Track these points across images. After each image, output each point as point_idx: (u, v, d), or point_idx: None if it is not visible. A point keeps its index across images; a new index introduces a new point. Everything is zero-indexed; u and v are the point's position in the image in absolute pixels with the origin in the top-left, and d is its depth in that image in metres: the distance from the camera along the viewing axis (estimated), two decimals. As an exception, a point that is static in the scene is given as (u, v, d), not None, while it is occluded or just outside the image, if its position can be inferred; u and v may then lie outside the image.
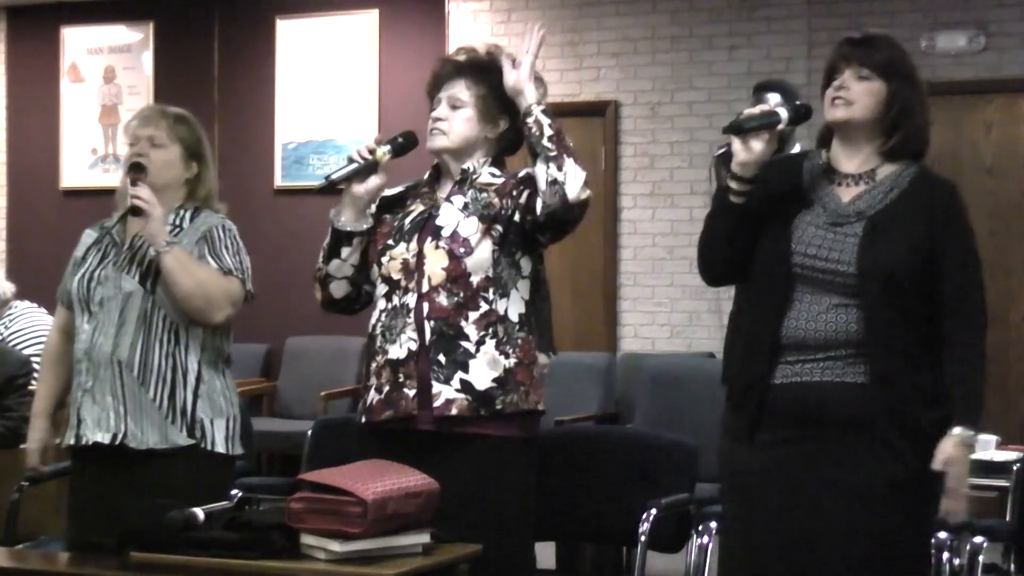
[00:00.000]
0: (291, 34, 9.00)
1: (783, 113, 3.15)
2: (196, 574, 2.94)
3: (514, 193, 3.37)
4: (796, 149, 4.93)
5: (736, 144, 3.13)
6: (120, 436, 3.51)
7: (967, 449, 3.02)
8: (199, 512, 3.03)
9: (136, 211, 3.50)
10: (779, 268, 3.12)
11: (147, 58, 9.40)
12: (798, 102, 3.38)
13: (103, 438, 3.52)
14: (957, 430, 3.01)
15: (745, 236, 3.17)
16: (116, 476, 3.51)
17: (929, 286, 3.07)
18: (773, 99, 5.15)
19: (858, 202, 3.12)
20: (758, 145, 3.11)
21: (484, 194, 3.40)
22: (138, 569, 2.98)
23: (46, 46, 9.61)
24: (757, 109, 3.18)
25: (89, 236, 3.75)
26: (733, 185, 3.16)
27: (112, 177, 9.31)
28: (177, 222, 3.64)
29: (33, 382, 5.81)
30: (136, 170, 3.59)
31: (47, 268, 7.81)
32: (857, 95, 3.12)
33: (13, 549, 3.93)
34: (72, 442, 3.59)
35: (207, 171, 3.73)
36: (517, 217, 3.35)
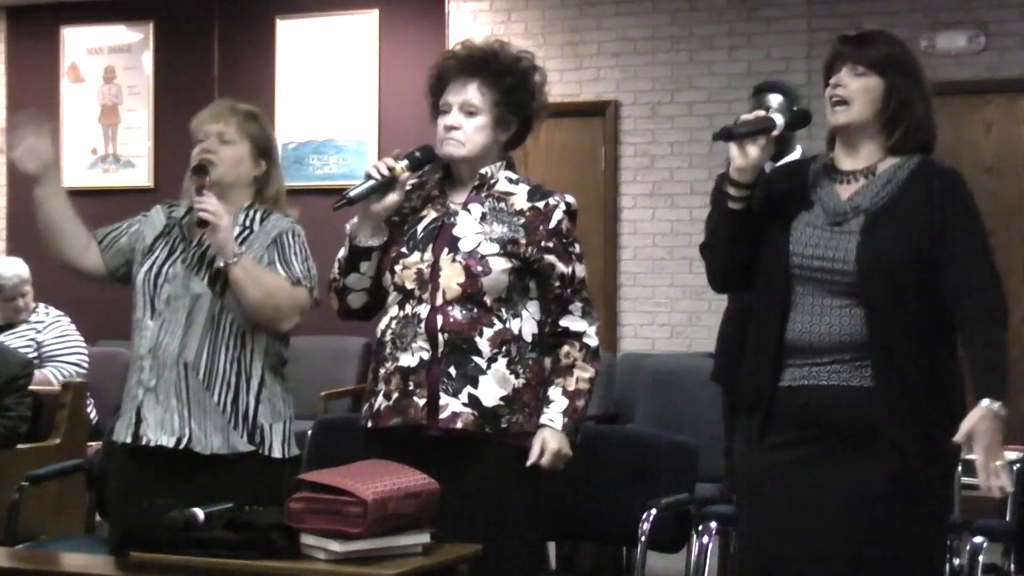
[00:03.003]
0: (291, 34, 9.01)
1: (779, 119, 3.12)
2: (196, 574, 2.94)
3: (542, 244, 3.34)
4: (797, 153, 4.90)
5: (733, 150, 3.11)
6: (185, 440, 3.49)
7: (996, 422, 2.90)
8: (199, 512, 3.02)
9: (202, 222, 3.46)
10: (778, 271, 3.11)
11: (147, 58, 9.40)
12: (795, 107, 3.36)
13: (167, 441, 3.49)
14: (985, 402, 2.90)
15: (747, 242, 3.16)
16: (174, 480, 3.47)
17: (933, 278, 3.03)
18: (775, 100, 5.12)
19: (856, 197, 3.11)
20: (754, 151, 3.10)
21: (503, 204, 3.37)
22: (138, 569, 2.98)
23: (46, 46, 9.62)
24: (752, 115, 3.15)
25: (158, 217, 3.69)
26: (731, 191, 3.15)
27: (112, 177, 9.32)
28: (247, 223, 3.61)
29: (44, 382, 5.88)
30: (200, 173, 3.54)
31: (47, 268, 7.82)
32: (853, 93, 3.10)
33: (13, 549, 3.93)
34: (129, 440, 3.53)
35: (276, 170, 3.70)
36: (537, 267, 3.34)
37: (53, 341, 6.51)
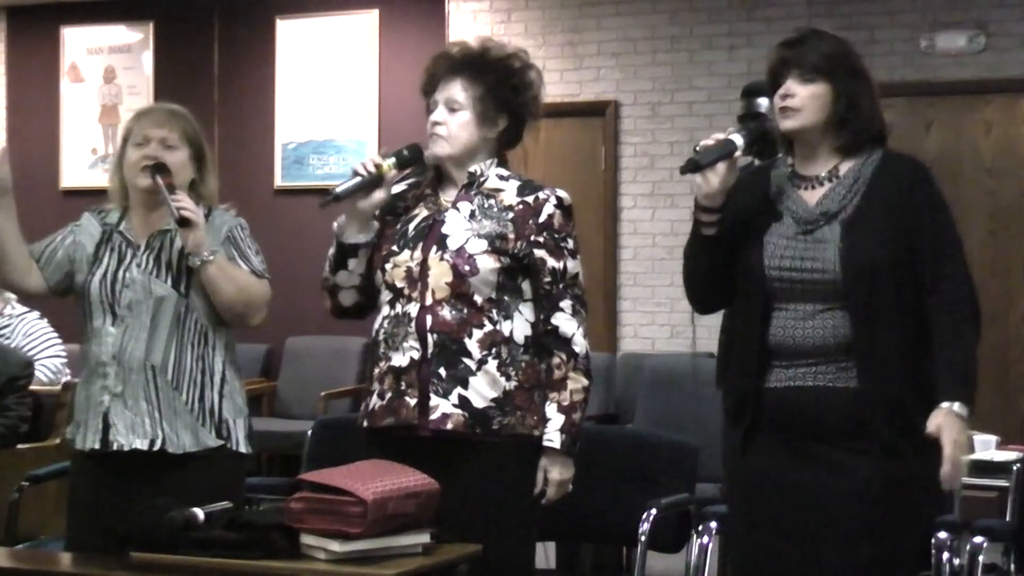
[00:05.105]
0: (291, 34, 9.01)
1: (738, 140, 3.12)
2: (196, 574, 2.94)
3: (532, 238, 3.34)
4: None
5: (697, 179, 3.11)
6: (159, 442, 3.48)
7: (958, 419, 2.96)
8: (199, 512, 3.03)
9: (183, 221, 3.44)
10: (755, 284, 3.12)
11: (147, 58, 9.40)
12: (752, 124, 3.35)
13: (141, 444, 3.48)
14: (944, 405, 2.97)
15: (724, 262, 3.16)
16: (143, 480, 3.46)
17: (914, 272, 3.04)
18: (762, 103, 5.14)
19: (824, 202, 3.11)
20: (715, 179, 3.10)
21: (492, 200, 3.37)
22: (138, 569, 2.98)
23: (46, 46, 9.62)
24: (712, 140, 3.14)
25: (92, 225, 3.67)
26: (702, 217, 3.15)
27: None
28: None
29: (33, 383, 5.86)
30: (164, 173, 3.52)
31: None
32: (803, 101, 3.09)
33: (13, 549, 3.93)
34: (97, 447, 3.51)
35: (209, 173, 3.69)
36: (527, 262, 3.34)
37: (26, 341, 6.47)
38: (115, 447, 3.50)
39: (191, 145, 3.64)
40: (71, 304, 3.68)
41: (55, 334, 6.57)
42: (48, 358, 6.40)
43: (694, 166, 3.10)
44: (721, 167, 3.10)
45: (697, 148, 3.14)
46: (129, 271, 3.56)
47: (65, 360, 6.49)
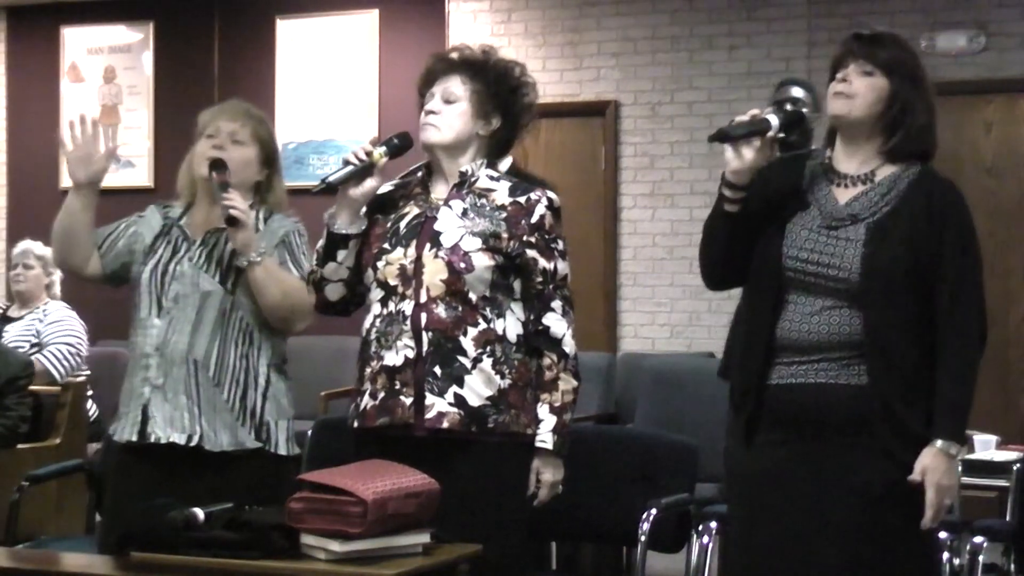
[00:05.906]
0: (291, 34, 9.01)
1: (774, 120, 3.09)
2: (196, 574, 2.94)
3: (524, 239, 3.35)
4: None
5: (728, 152, 3.09)
6: (196, 437, 3.49)
7: (948, 460, 2.99)
8: (199, 512, 3.03)
9: (231, 219, 3.46)
10: (770, 271, 3.11)
11: (147, 58, 9.41)
12: (789, 107, 3.33)
13: (178, 438, 3.48)
14: (939, 443, 2.98)
15: (743, 241, 3.15)
16: (180, 477, 3.46)
17: (931, 284, 3.05)
18: (798, 91, 5.11)
19: (854, 204, 3.10)
20: (749, 153, 3.07)
21: (484, 199, 3.38)
22: (138, 569, 2.98)
23: (46, 46, 9.62)
24: (747, 115, 3.12)
25: (154, 218, 3.69)
26: (727, 193, 3.14)
27: (112, 177, 9.22)
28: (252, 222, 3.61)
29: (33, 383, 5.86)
30: (220, 169, 3.53)
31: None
32: (858, 89, 3.09)
33: (13, 549, 3.93)
34: (135, 439, 3.52)
35: (278, 179, 3.72)
36: (519, 262, 3.35)
37: (48, 327, 6.49)
38: (152, 439, 3.50)
39: (261, 146, 3.67)
40: (106, 303, 3.69)
41: (80, 331, 6.58)
42: (59, 346, 6.40)
43: (722, 136, 3.08)
44: (753, 143, 3.07)
45: (732, 121, 3.13)
46: (180, 264, 3.58)
47: (73, 352, 6.48)
